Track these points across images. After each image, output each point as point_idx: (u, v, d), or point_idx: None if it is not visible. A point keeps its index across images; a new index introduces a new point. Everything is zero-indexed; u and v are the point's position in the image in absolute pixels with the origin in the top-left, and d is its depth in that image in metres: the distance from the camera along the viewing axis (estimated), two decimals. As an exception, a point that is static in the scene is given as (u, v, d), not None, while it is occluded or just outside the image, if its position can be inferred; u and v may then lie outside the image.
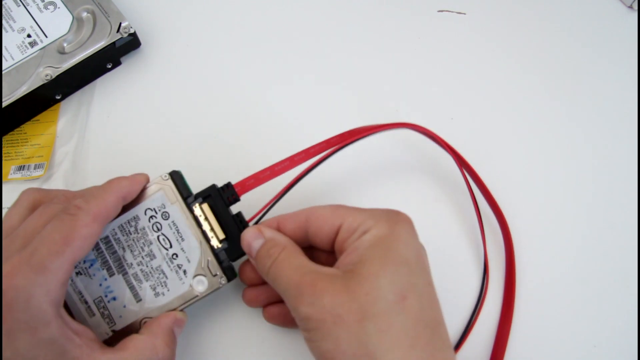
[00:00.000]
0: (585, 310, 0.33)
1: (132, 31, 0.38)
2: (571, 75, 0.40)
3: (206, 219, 0.29)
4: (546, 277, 0.33)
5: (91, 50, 0.37)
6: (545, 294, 0.33)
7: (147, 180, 0.29)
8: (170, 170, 0.30)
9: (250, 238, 0.28)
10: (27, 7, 0.38)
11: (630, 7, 0.42)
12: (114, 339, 0.28)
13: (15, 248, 0.24)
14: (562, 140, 0.38)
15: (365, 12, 0.42)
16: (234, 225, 0.29)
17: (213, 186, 0.30)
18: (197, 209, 0.29)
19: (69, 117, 0.38)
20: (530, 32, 0.42)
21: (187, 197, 0.29)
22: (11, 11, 0.38)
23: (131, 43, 0.39)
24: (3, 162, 0.36)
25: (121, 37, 0.37)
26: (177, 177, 0.30)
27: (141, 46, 0.40)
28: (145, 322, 0.28)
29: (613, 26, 0.42)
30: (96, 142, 0.37)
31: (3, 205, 0.34)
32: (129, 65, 0.40)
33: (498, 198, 0.34)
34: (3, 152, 0.36)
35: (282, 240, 0.28)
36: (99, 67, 0.39)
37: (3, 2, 0.38)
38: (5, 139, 0.37)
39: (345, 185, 0.36)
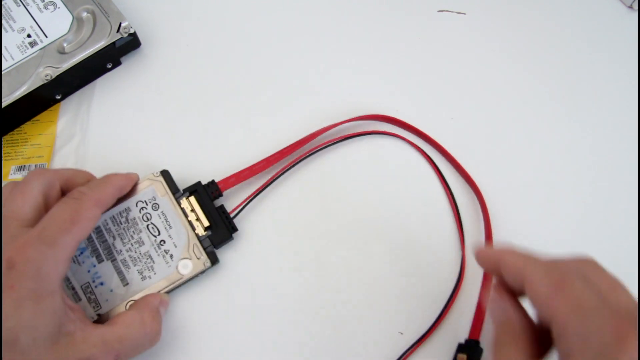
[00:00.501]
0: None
1: (132, 31, 0.38)
2: (571, 75, 0.40)
3: (192, 210, 0.32)
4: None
5: (91, 50, 0.37)
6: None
7: (138, 179, 0.33)
8: (161, 169, 0.33)
9: (505, 309, 0.23)
10: (27, 7, 0.38)
11: (630, 7, 0.42)
12: (98, 322, 0.28)
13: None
14: (562, 140, 0.38)
15: (365, 12, 0.42)
16: (217, 216, 0.32)
17: (198, 183, 0.33)
18: (184, 202, 0.32)
19: (69, 117, 0.38)
20: (530, 32, 0.42)
21: (175, 192, 0.33)
22: (11, 11, 0.38)
23: (131, 43, 0.39)
24: (3, 162, 0.36)
25: (121, 37, 0.37)
26: (166, 175, 0.33)
27: (141, 46, 0.40)
28: (131, 304, 0.30)
29: (613, 26, 0.42)
30: (96, 142, 0.37)
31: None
32: (129, 65, 0.40)
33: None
34: (3, 152, 0.36)
35: (519, 334, 0.23)
36: (99, 67, 0.39)
37: (3, 2, 0.38)
38: (5, 139, 0.37)
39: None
